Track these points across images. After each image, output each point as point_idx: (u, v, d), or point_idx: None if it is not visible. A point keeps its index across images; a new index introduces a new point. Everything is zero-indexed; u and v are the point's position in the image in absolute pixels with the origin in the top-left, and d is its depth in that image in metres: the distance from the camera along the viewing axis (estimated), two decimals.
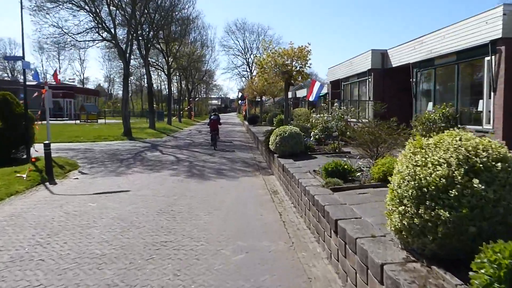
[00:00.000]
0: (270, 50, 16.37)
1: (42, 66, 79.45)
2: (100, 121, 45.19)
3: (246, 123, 36.00)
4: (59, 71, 77.11)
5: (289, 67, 16.32)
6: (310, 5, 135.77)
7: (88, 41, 25.49)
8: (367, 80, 20.26)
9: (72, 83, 58.58)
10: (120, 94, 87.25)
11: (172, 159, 15.18)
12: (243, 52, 64.43)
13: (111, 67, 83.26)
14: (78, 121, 42.43)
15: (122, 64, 26.86)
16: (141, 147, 19.16)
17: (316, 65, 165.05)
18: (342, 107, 15.43)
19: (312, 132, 14.26)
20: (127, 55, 24.92)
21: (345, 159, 7.84)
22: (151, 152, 17.43)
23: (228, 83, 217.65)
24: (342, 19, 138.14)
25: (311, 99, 27.06)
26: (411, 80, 16.08)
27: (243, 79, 71.02)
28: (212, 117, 19.94)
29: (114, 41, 24.78)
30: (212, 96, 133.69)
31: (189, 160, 14.88)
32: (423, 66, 15.47)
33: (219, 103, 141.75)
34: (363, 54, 20.72)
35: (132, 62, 34.25)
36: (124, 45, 25.04)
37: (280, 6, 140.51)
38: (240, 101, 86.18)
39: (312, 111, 23.63)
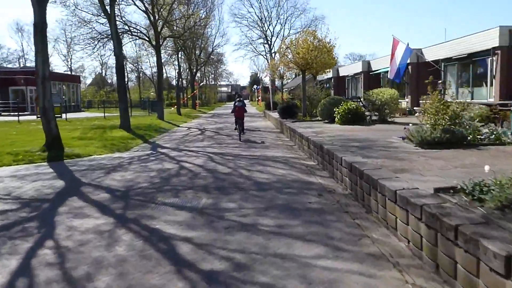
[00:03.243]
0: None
1: (23, 51, 68.34)
2: (73, 115, 33.85)
3: (273, 114, 24.15)
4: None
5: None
6: None
7: None
8: (488, 60, 17.79)
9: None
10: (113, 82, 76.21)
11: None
12: (259, 24, 51.88)
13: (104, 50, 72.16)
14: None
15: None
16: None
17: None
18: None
19: None
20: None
21: None
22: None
23: (240, 65, 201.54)
24: None
25: (390, 76, 17.76)
26: None
27: (260, 57, 58.99)
28: (236, 103, 16.66)
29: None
30: (222, 83, 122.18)
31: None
32: None
33: (229, 90, 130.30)
34: (484, 32, 17.91)
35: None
36: None
37: None
38: (255, 86, 74.48)
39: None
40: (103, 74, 77.51)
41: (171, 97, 68.83)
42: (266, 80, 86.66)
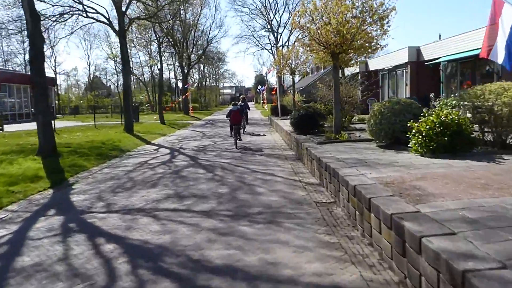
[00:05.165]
0: None
1: (3, 52, 61.50)
2: (24, 126, 26.63)
3: (282, 124, 16.69)
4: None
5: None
6: None
7: None
8: None
9: None
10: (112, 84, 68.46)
11: None
12: (263, 12, 44.11)
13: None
14: None
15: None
16: None
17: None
18: None
19: None
20: None
21: None
22: None
23: (244, 65, 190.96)
24: None
25: (493, 58, 7.63)
26: None
27: (265, 53, 51.53)
28: (232, 107, 15.33)
29: None
30: (225, 85, 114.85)
31: None
32: None
33: (233, 92, 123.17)
34: None
35: None
36: None
37: None
38: (259, 87, 66.81)
39: None
40: (92, 76, 70.28)
41: (166, 100, 61.55)
42: (273, 81, 79.01)
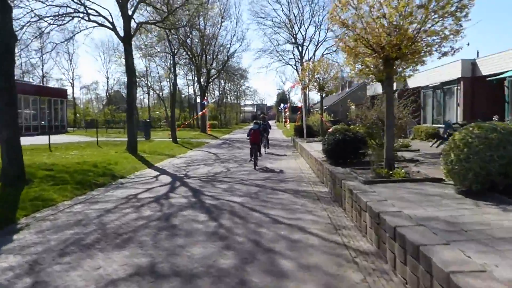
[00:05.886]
0: None
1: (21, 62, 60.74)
2: (33, 140, 24.52)
3: (310, 148, 13.77)
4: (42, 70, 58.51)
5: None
6: None
7: None
8: None
9: None
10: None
11: None
12: (287, 25, 41.55)
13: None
14: None
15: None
16: None
17: None
18: None
19: None
20: None
21: None
22: None
23: (266, 83, 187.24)
24: None
25: None
26: None
27: (288, 69, 48.96)
28: (252, 126, 14.83)
29: None
30: (247, 103, 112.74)
31: None
32: None
33: (255, 110, 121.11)
34: None
35: None
36: None
37: None
38: (282, 105, 64.23)
39: None
40: (111, 90, 69.04)
41: (184, 117, 59.56)
42: (295, 99, 76.13)
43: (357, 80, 24.08)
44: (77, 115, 61.63)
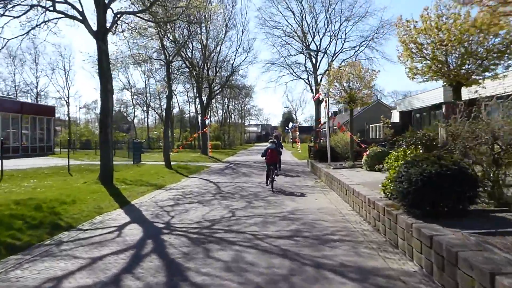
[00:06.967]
0: None
1: (14, 80, 57.42)
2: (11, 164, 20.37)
3: (347, 179, 9.18)
4: (36, 86, 55.07)
5: None
6: None
7: None
8: None
9: None
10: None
11: None
12: (299, 35, 37.47)
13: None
14: None
15: None
16: None
17: None
18: None
19: None
20: None
21: None
22: None
23: (271, 102, 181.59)
24: None
25: None
26: None
27: (298, 87, 45.07)
28: (269, 145, 13.55)
29: None
30: (252, 123, 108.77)
31: None
32: None
33: (259, 130, 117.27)
34: None
35: None
36: None
37: None
38: (290, 125, 59.83)
39: None
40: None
41: (185, 137, 55.42)
42: (301, 118, 71.66)
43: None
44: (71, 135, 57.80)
